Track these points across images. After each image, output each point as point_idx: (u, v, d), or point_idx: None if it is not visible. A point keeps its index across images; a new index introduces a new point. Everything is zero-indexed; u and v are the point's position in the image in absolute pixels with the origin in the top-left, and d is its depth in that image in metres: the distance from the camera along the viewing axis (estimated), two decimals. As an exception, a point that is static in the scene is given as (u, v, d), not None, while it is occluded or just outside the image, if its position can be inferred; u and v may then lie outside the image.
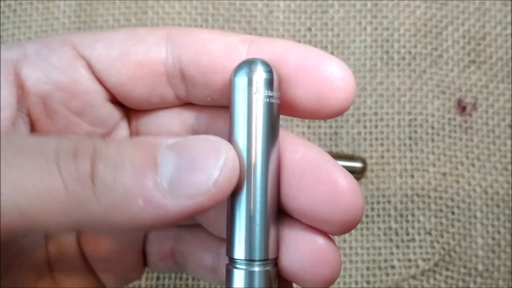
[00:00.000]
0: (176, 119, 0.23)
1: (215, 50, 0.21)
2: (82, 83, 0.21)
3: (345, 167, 0.38)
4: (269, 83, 0.19)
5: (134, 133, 0.24)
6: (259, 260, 0.19)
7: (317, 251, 0.19)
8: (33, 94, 0.21)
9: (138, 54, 0.21)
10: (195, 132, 0.23)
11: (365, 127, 0.39)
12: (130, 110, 0.23)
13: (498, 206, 0.38)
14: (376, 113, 0.39)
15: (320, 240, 0.19)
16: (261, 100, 0.19)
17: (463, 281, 0.37)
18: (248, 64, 0.19)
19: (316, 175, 0.19)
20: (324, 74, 0.19)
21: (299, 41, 0.41)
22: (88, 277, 0.25)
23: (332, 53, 0.40)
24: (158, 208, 0.16)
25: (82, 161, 0.16)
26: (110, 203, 0.16)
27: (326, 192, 0.19)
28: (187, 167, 0.17)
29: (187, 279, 0.37)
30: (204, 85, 0.21)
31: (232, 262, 0.19)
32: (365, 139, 0.39)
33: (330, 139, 0.39)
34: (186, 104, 0.23)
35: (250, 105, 0.19)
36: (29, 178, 0.15)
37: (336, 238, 0.38)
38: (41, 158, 0.16)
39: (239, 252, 0.19)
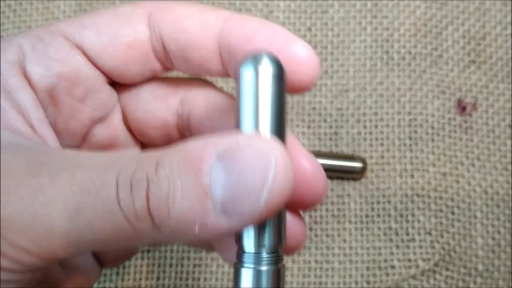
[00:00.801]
0: (161, 104, 0.24)
1: (192, 28, 0.21)
2: (83, 70, 0.22)
3: (345, 167, 0.38)
4: (277, 76, 0.19)
5: (123, 117, 0.25)
6: (267, 258, 0.19)
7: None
8: (40, 89, 0.22)
9: (127, 36, 0.22)
10: (179, 116, 0.24)
11: (365, 127, 0.39)
12: (119, 95, 0.24)
13: (498, 206, 0.38)
14: (376, 113, 0.39)
15: (288, 217, 0.21)
16: (269, 92, 0.19)
17: (463, 281, 0.37)
18: (255, 56, 0.19)
19: None
20: (290, 56, 0.20)
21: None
22: (88, 258, 0.25)
23: (332, 53, 0.40)
24: (213, 230, 0.17)
25: (137, 196, 0.17)
26: (170, 232, 0.17)
27: None
28: (237, 186, 0.17)
29: (187, 279, 0.37)
30: (184, 60, 0.22)
31: (240, 261, 0.19)
32: (365, 139, 0.39)
33: (330, 139, 0.39)
34: (172, 87, 0.24)
35: (257, 97, 0.19)
36: (102, 221, 0.17)
37: (336, 238, 0.38)
38: (106, 198, 0.17)
39: (249, 245, 0.19)
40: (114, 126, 0.25)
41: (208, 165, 0.17)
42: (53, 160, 0.18)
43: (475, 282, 0.37)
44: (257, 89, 0.19)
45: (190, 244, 0.19)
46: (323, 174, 0.20)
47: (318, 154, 0.38)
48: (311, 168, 0.20)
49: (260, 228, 0.19)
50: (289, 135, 0.21)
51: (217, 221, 0.17)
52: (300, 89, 0.21)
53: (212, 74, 0.23)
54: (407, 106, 0.39)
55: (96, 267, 0.26)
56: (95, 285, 0.37)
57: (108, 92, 0.23)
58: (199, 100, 0.23)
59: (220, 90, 0.24)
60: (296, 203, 0.21)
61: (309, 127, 0.40)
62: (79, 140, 0.24)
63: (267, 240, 0.19)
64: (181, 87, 0.24)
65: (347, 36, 0.40)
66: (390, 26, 0.40)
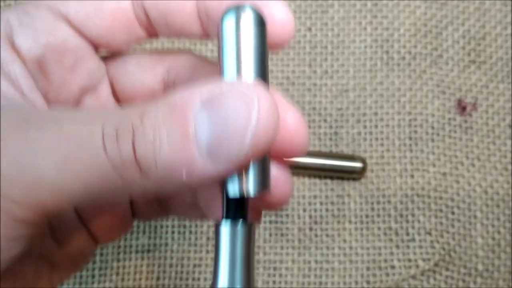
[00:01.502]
0: (148, 74, 0.24)
1: None
2: (70, 40, 0.23)
3: (345, 167, 0.38)
4: (258, 22, 0.19)
5: (112, 90, 0.25)
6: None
7: (272, 177, 0.21)
8: (29, 61, 0.22)
9: (110, 4, 0.22)
10: (166, 84, 0.24)
11: (365, 127, 0.39)
12: (107, 67, 0.25)
13: (498, 206, 0.38)
14: (376, 113, 0.39)
15: (274, 168, 0.21)
16: (251, 38, 0.19)
17: (463, 281, 0.37)
18: (235, 8, 0.19)
19: None
20: (265, 14, 0.20)
21: (300, 41, 0.41)
22: (82, 234, 0.25)
23: (332, 53, 0.40)
24: (201, 176, 0.18)
25: (123, 145, 0.17)
26: (157, 179, 0.18)
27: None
28: (222, 131, 0.17)
29: (187, 279, 0.37)
30: (165, 25, 0.23)
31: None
32: (365, 139, 0.39)
33: (330, 139, 0.39)
34: (158, 57, 0.24)
35: (239, 44, 0.19)
36: (90, 171, 0.17)
37: (336, 238, 0.38)
38: (93, 148, 0.17)
39: (234, 190, 0.19)
40: (104, 98, 0.25)
41: (193, 112, 0.17)
42: (41, 116, 0.19)
43: (475, 282, 0.37)
44: (238, 36, 0.19)
45: (179, 192, 0.19)
46: (304, 126, 0.21)
47: (318, 154, 0.38)
48: (293, 119, 0.20)
49: (245, 173, 0.19)
50: (272, 88, 0.21)
51: (203, 166, 0.17)
52: (274, 47, 0.21)
53: (194, 36, 0.23)
54: (407, 106, 0.39)
55: (90, 242, 0.26)
56: (96, 285, 0.37)
57: (96, 62, 0.24)
58: (185, 68, 0.24)
59: (205, 58, 0.24)
60: (279, 155, 0.21)
61: (309, 127, 0.40)
62: None
63: (251, 185, 0.19)
64: (167, 57, 0.24)
65: (347, 36, 0.40)
66: (390, 26, 0.40)
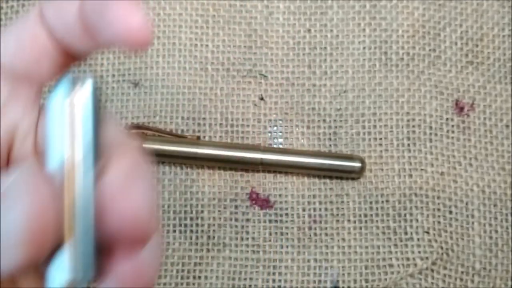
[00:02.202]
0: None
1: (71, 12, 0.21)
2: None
3: (344, 166, 0.38)
4: (92, 101, 0.18)
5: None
6: None
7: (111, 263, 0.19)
8: None
9: (28, 41, 0.21)
10: None
11: (363, 127, 0.40)
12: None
13: (495, 205, 0.38)
14: (374, 114, 0.40)
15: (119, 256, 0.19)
16: (81, 118, 0.17)
17: (461, 279, 0.37)
18: (65, 84, 0.18)
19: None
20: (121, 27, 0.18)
21: (299, 42, 0.41)
22: None
23: (331, 54, 0.41)
24: None
25: None
26: None
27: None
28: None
29: (188, 277, 0.38)
30: (75, 40, 0.21)
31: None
32: (363, 139, 0.40)
33: (329, 139, 0.40)
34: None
35: (65, 124, 0.17)
36: None
37: (334, 237, 0.38)
38: None
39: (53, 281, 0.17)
40: (27, 149, 0.24)
41: None
42: None
43: (472, 281, 0.37)
44: (65, 114, 0.17)
45: None
46: (146, 207, 0.18)
47: (318, 154, 0.39)
48: (131, 202, 0.18)
49: (55, 262, 0.17)
50: (124, 152, 0.19)
51: None
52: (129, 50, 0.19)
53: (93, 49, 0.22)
54: (406, 106, 0.40)
55: None
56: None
57: (22, 110, 0.22)
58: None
59: None
60: (122, 241, 0.19)
61: (308, 127, 0.40)
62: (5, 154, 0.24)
63: (66, 273, 0.17)
64: None
65: (346, 37, 0.41)
66: (388, 28, 0.41)
